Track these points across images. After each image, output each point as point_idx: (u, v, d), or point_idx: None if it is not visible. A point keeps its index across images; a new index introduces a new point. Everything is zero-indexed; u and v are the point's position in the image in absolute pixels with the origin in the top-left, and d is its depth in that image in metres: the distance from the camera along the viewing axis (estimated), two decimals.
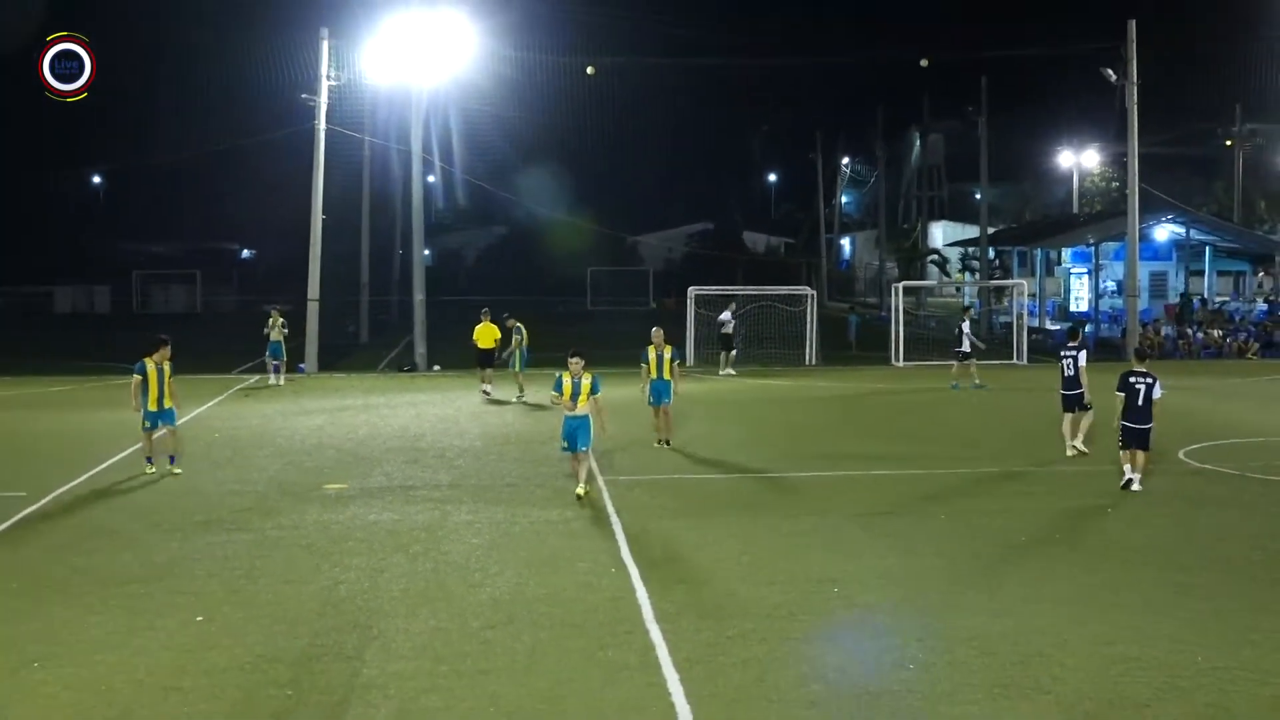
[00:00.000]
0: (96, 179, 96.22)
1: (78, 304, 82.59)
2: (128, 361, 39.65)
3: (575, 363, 18.24)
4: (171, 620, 12.48)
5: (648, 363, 23.26)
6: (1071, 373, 21.85)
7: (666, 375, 23.15)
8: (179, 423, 21.56)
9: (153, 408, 20.41)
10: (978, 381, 34.06)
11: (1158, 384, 18.97)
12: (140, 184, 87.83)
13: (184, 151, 75.86)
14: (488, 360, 32.85)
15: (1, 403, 31.68)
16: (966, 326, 35.00)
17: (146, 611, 12.78)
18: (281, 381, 35.31)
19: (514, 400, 31.18)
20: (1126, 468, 19.11)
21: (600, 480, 19.90)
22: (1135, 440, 19.02)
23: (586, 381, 18.20)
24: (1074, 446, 21.94)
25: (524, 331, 31.95)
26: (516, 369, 31.75)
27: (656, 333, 23.51)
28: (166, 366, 20.59)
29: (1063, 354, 22.44)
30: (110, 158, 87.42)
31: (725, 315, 39.48)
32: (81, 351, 45.30)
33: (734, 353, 39.58)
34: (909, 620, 12.38)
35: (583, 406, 18.19)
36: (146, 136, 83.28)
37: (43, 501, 18.45)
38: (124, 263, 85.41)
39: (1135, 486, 18.93)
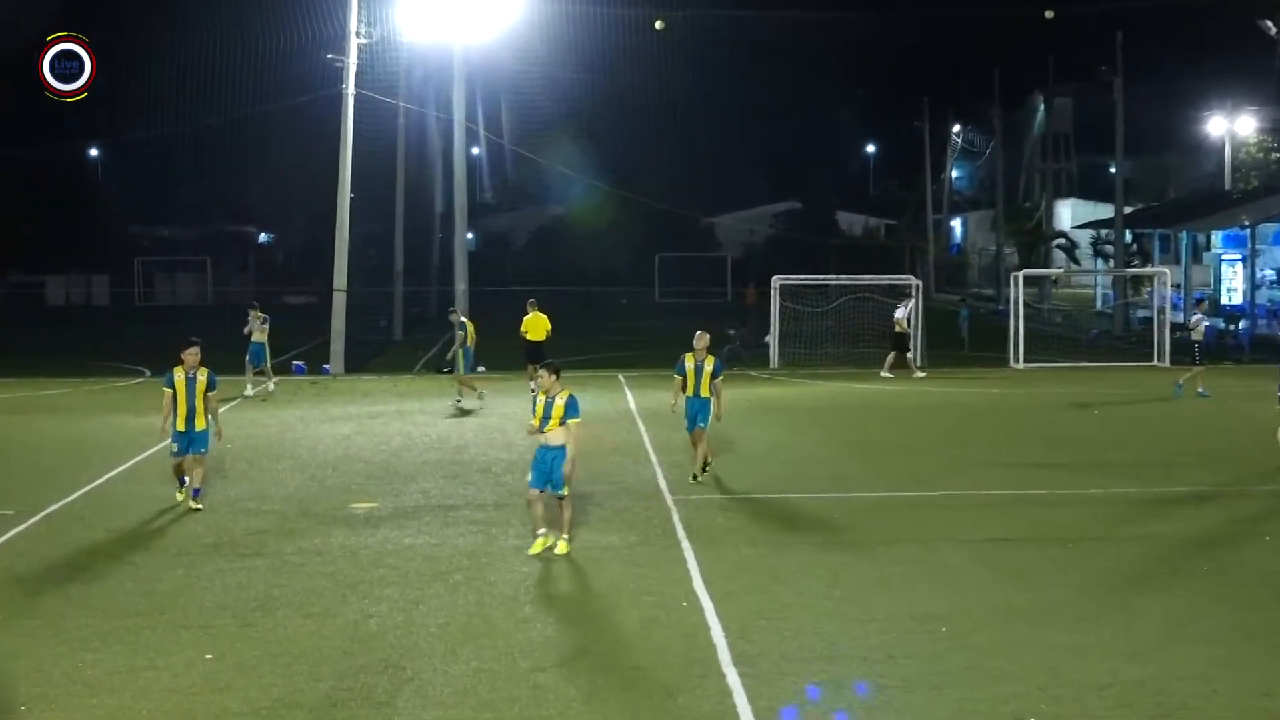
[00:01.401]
0: (93, 153, 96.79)
1: (73, 295, 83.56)
2: (129, 361, 40.52)
3: (545, 377, 16.79)
4: (177, 658, 12.61)
5: (683, 374, 21.28)
6: None
7: (705, 392, 21.12)
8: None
9: (180, 428, 18.99)
10: (1200, 389, 32.97)
11: None
12: (145, 160, 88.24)
13: (193, 122, 76.55)
14: (537, 355, 33.34)
15: None
16: (1205, 322, 34.66)
17: (149, 649, 12.93)
18: (271, 388, 34.75)
19: (451, 404, 31.63)
20: None
21: (669, 500, 19.90)
22: None
23: (560, 402, 16.54)
24: None
25: (469, 327, 32.20)
26: (460, 371, 32.20)
27: (700, 337, 21.35)
28: (201, 376, 19.12)
29: None
30: (110, 130, 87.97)
31: (900, 312, 39.12)
32: (78, 349, 45.95)
33: (910, 353, 39.10)
34: (1030, 665, 12.27)
35: (554, 434, 16.59)
36: (151, 106, 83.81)
37: (33, 520, 18.73)
38: (126, 248, 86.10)
39: None
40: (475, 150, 72.71)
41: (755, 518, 19.00)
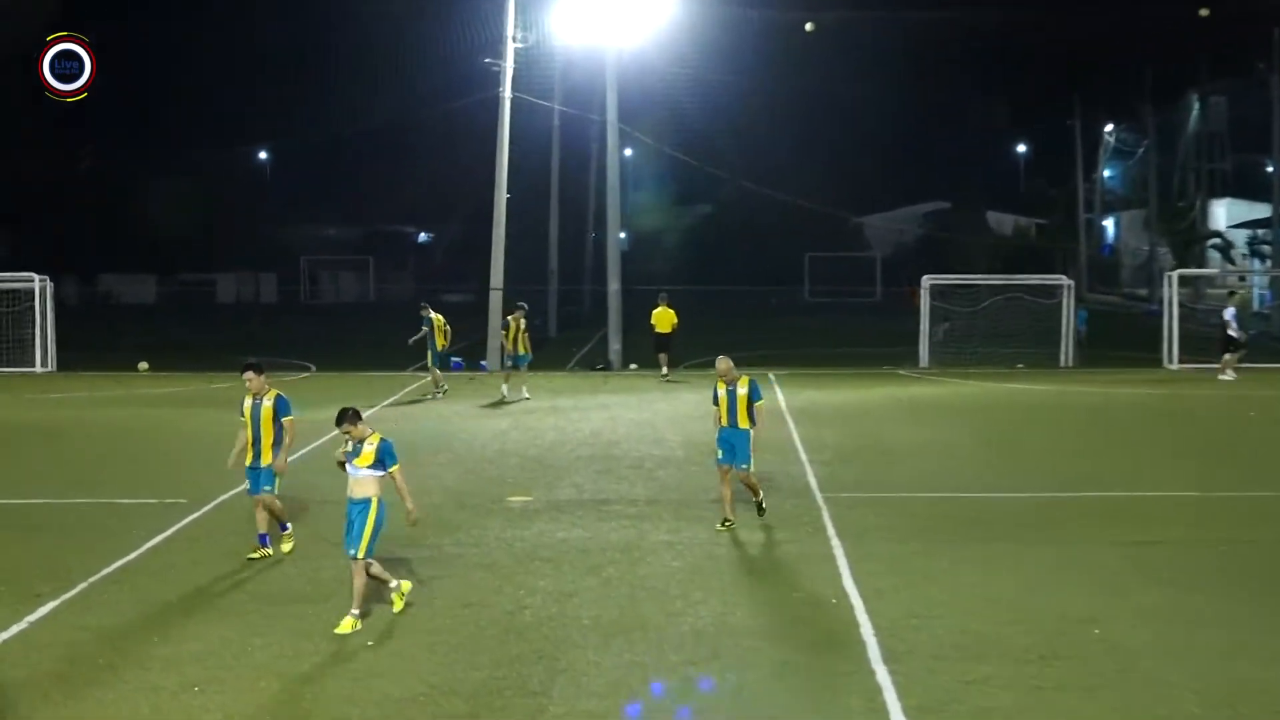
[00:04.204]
0: (263, 155, 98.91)
1: (242, 293, 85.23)
2: (295, 356, 41.24)
3: (355, 428, 13.84)
4: (340, 644, 12.88)
5: (717, 404, 18.10)
6: None
7: (741, 423, 17.74)
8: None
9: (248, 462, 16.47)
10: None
11: None
12: (310, 161, 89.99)
13: (355, 124, 78.00)
14: (664, 345, 36.60)
15: (162, 400, 32.99)
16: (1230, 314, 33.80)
17: (313, 634, 13.21)
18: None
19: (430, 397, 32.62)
20: None
21: (819, 498, 19.80)
22: None
23: (370, 448, 13.84)
24: None
25: (436, 322, 32.68)
26: (430, 363, 33.06)
27: (722, 362, 18.00)
28: (267, 401, 16.28)
29: None
30: (277, 133, 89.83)
31: (1229, 313, 38.40)
32: (246, 345, 46.89)
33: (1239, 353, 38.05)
34: (1182, 668, 12.06)
35: (360, 485, 13.99)
36: (316, 109, 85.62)
37: (204, 510, 19.21)
38: (292, 247, 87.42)
39: None
40: (628, 151, 72.83)
41: (904, 516, 18.82)
